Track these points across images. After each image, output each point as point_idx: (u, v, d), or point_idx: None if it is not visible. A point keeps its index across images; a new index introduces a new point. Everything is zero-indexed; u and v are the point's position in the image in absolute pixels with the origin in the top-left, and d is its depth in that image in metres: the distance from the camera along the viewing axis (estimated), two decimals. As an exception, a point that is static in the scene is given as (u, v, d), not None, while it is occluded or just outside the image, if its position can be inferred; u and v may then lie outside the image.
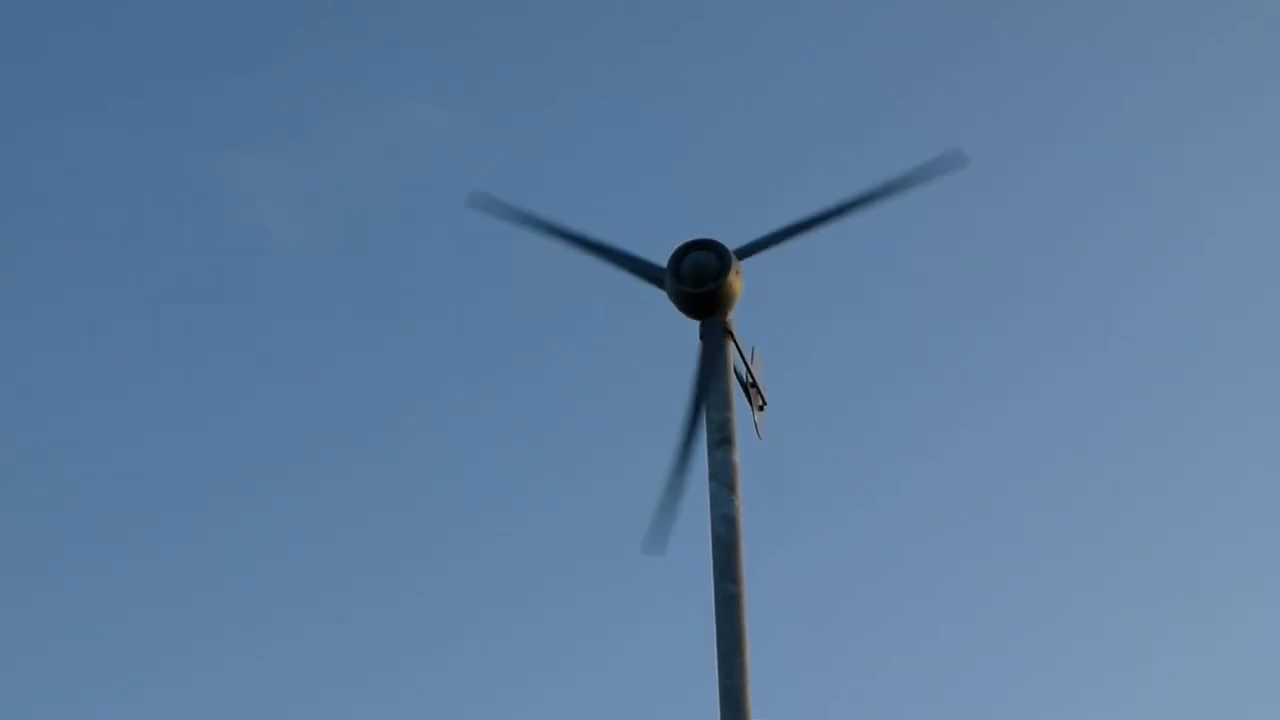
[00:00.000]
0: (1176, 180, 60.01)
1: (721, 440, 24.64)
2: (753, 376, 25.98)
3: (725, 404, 24.85)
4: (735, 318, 25.36)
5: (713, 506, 24.35)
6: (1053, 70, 60.56)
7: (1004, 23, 60.44)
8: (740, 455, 24.69)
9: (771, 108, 58.22)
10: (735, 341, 25.36)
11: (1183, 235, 59.64)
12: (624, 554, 52.00)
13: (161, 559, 53.38)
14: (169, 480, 54.43)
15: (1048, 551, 54.43)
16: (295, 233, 58.65)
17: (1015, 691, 51.73)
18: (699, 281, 24.93)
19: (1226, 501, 55.55)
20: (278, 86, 60.26)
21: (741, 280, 25.13)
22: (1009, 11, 60.48)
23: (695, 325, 25.21)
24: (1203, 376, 57.94)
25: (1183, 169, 60.23)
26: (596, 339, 51.10)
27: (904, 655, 51.47)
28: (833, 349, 54.75)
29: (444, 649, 52.76)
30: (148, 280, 57.97)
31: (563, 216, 25.70)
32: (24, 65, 59.78)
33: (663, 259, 25.33)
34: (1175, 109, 60.33)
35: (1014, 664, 52.70)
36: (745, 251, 25.30)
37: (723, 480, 24.45)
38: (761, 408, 26.25)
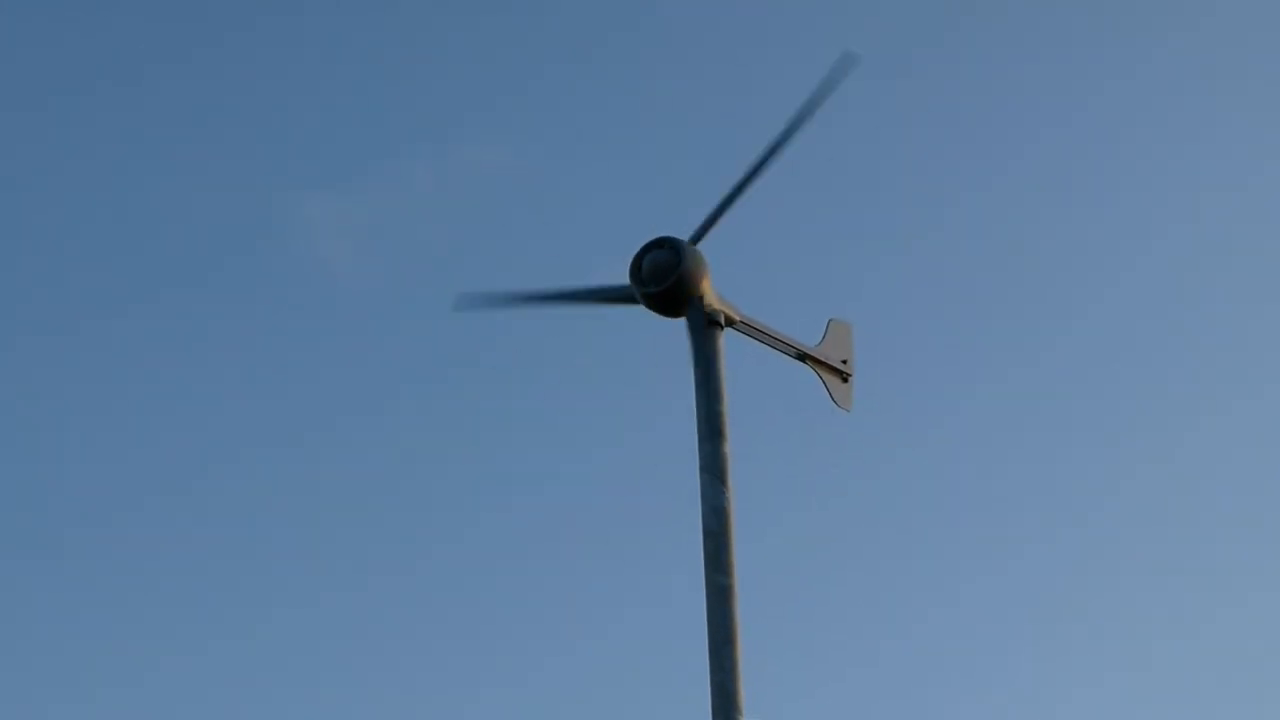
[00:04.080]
0: (1157, 167, 60.41)
1: (712, 432, 24.47)
2: (800, 349, 26.04)
3: (716, 396, 24.67)
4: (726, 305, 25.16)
5: (703, 499, 24.17)
6: (1024, 64, 60.84)
7: (981, 14, 60.71)
8: (731, 447, 24.53)
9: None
10: (750, 324, 25.24)
11: (1161, 225, 59.90)
12: (613, 548, 51.89)
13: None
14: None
15: (1044, 543, 54.32)
16: (355, 268, 59.27)
17: (1012, 685, 51.64)
18: (659, 279, 24.78)
19: (1231, 491, 55.78)
20: (340, 123, 61.17)
21: (704, 264, 24.89)
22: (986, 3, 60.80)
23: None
24: (1198, 363, 58.00)
25: (1158, 160, 60.58)
26: (602, 366, 50.97)
27: (898, 648, 51.38)
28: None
29: (430, 642, 52.73)
30: (210, 312, 59.02)
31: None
32: (87, 99, 60.68)
33: None
34: (1151, 102, 60.64)
35: (1011, 657, 52.60)
36: (697, 236, 25.19)
37: (713, 472, 24.27)
38: (846, 379, 26.35)
